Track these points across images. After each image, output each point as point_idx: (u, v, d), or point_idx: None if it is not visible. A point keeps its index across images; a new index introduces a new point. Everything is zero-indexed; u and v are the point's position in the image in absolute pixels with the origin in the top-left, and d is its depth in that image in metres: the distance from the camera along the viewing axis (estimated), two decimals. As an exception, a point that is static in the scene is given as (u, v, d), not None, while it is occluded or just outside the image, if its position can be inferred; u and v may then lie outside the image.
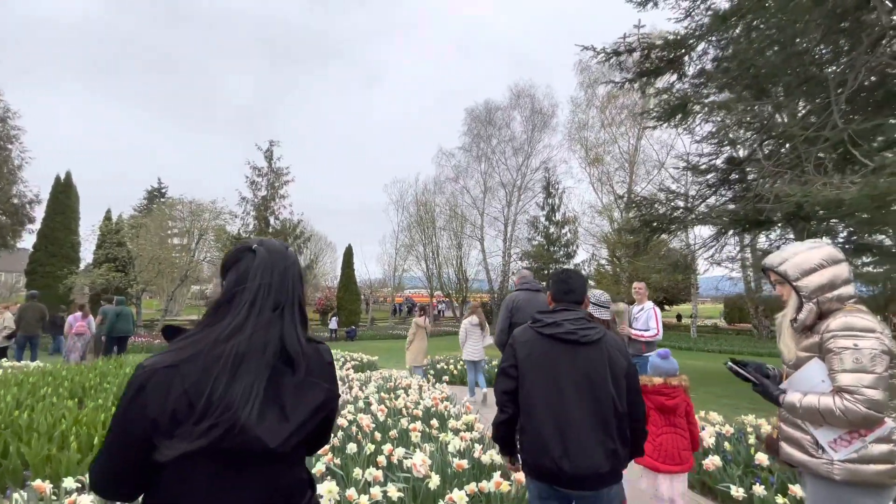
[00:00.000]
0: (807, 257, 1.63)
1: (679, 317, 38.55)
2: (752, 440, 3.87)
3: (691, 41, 8.34)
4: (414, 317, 8.06)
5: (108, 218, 20.54)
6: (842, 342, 1.49)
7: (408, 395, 5.34)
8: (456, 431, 4.01)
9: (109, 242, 19.44)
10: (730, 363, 1.87)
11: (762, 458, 3.36)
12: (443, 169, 36.05)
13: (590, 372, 1.74)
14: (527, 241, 34.56)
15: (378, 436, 3.62)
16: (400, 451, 3.19)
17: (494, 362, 8.16)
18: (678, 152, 25.16)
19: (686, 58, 9.17)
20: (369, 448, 3.10)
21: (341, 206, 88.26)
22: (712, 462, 3.38)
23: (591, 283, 34.45)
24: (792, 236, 17.60)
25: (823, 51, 7.98)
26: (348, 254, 29.05)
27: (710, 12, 8.71)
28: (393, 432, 3.70)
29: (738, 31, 8.28)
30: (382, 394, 4.90)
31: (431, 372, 9.01)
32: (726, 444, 3.81)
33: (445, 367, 9.04)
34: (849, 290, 1.58)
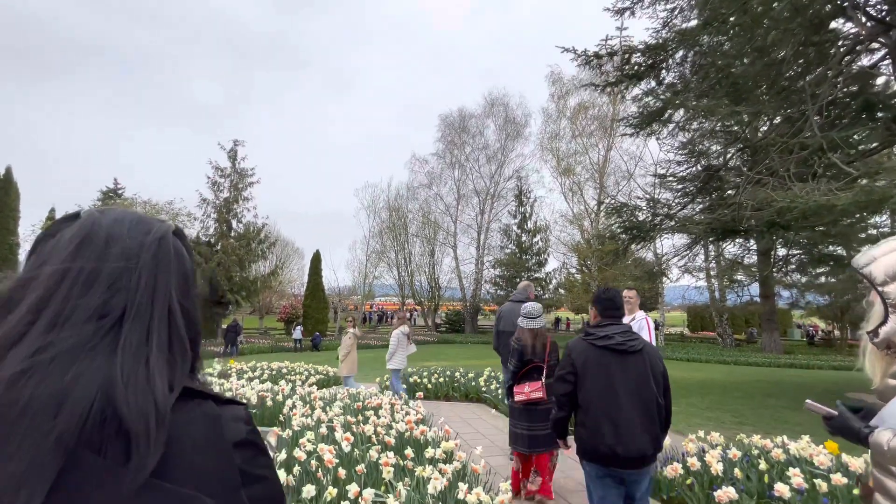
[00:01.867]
0: (880, 254, 1.29)
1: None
2: (763, 465, 3.49)
3: (672, 46, 8.22)
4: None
5: (50, 217, 18.77)
6: None
7: (378, 418, 4.74)
8: (434, 462, 3.47)
9: (50, 245, 17.72)
10: (808, 402, 1.54)
11: (781, 489, 2.98)
12: (416, 175, 35.56)
13: (637, 376, 2.20)
14: (499, 248, 34.44)
15: (342, 472, 3.03)
16: (369, 494, 2.62)
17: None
18: (647, 164, 25.80)
19: (665, 64, 9.08)
20: (330, 493, 2.52)
21: (310, 211, 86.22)
22: (726, 494, 2.96)
23: (562, 291, 34.68)
24: (754, 246, 18.06)
25: (800, 61, 8.02)
26: (316, 260, 27.97)
27: (687, 21, 8.68)
28: (360, 467, 3.12)
29: (717, 38, 8.23)
30: (348, 416, 4.29)
31: (405, 385, 8.40)
32: (736, 470, 3.41)
33: (419, 380, 8.44)
34: None
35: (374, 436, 3.81)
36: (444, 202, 34.22)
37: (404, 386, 7.27)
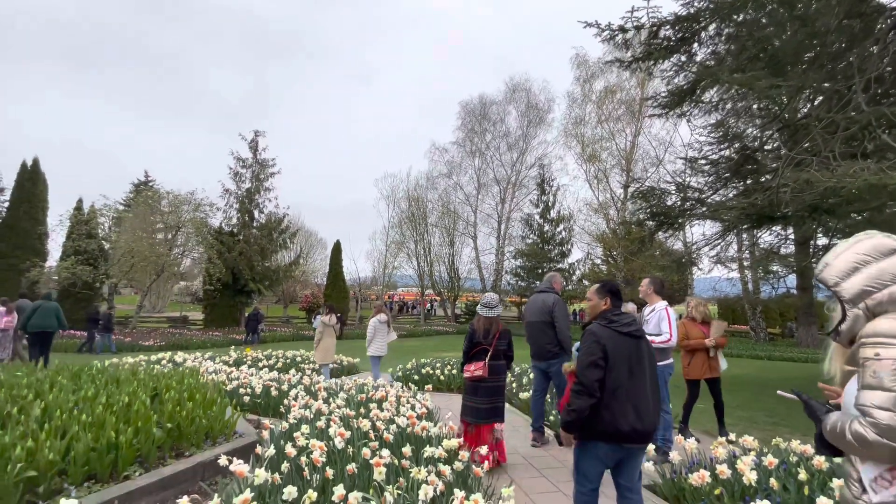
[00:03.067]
0: (847, 256, 1.34)
1: (680, 316, 38.05)
2: (802, 475, 3.09)
3: (705, 17, 7.57)
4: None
5: (78, 208, 19.33)
6: (866, 351, 1.22)
7: (382, 410, 4.51)
8: (434, 462, 3.20)
9: (78, 234, 18.23)
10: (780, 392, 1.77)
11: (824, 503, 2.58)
12: (435, 164, 35.24)
13: (648, 359, 2.46)
14: (520, 239, 33.86)
15: (330, 472, 2.79)
16: (354, 498, 2.38)
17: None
18: (676, 150, 24.67)
19: (697, 38, 8.40)
20: (310, 498, 2.28)
21: (333, 203, 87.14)
22: (762, 509, 2.59)
23: (586, 282, 33.81)
24: (792, 235, 17.05)
25: (843, 35, 7.27)
26: (336, 250, 28.11)
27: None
28: (351, 466, 2.88)
29: (754, 8, 7.53)
30: (347, 410, 4.07)
31: (416, 377, 8.20)
32: (772, 480, 3.02)
33: (431, 372, 8.21)
34: None
35: (372, 431, 3.57)
36: (464, 191, 33.85)
37: (386, 374, 7.54)
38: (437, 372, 8.13)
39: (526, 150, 33.09)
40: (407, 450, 3.24)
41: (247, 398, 5.40)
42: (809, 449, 3.47)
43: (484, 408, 3.99)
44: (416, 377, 8.21)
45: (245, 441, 3.85)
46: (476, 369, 3.98)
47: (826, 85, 6.88)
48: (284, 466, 3.05)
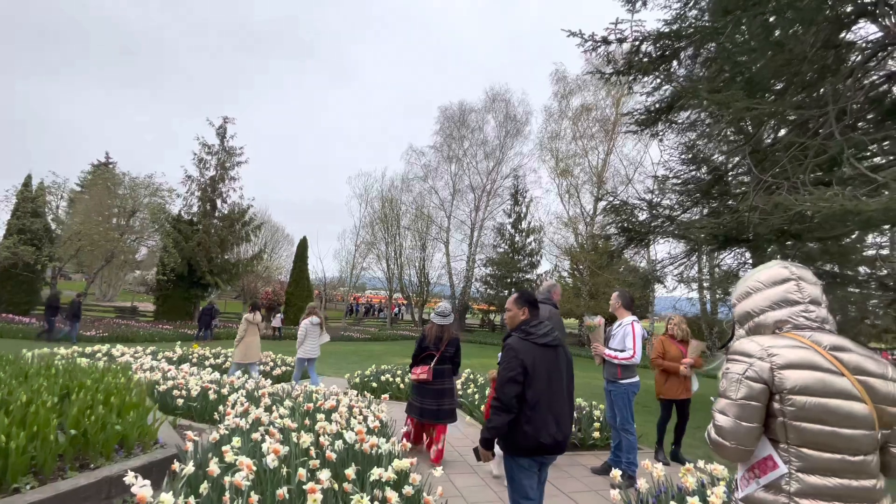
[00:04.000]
0: (748, 281, 1.49)
1: (649, 333, 39.16)
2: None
3: (686, 33, 7.60)
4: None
5: (26, 185, 17.79)
6: (725, 365, 1.38)
7: (330, 422, 4.10)
8: (380, 487, 2.84)
9: (23, 211, 16.73)
10: None
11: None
12: (412, 167, 34.84)
13: (565, 368, 2.49)
14: (492, 247, 33.86)
15: (255, 499, 2.38)
16: (278, 534, 1.99)
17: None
18: (646, 170, 25.27)
19: (677, 58, 8.47)
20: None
21: (303, 200, 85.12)
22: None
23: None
24: (751, 260, 17.62)
25: (819, 62, 7.46)
26: (302, 247, 27.17)
27: (702, 15, 8.09)
28: (282, 491, 2.48)
29: (734, 28, 7.63)
30: (289, 422, 3.64)
31: (374, 385, 7.77)
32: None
33: (391, 379, 7.80)
34: (779, 315, 1.36)
35: (313, 448, 3.17)
36: (439, 196, 33.57)
37: (315, 374, 7.44)
38: (398, 380, 7.73)
39: (502, 159, 33.24)
40: (351, 471, 2.87)
41: (180, 401, 4.86)
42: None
43: (430, 409, 4.27)
44: (374, 384, 7.78)
45: (166, 453, 3.36)
46: (422, 373, 4.28)
47: (800, 111, 7.00)
48: (203, 488, 2.61)
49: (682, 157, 10.66)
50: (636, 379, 4.33)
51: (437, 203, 33.57)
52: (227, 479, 2.59)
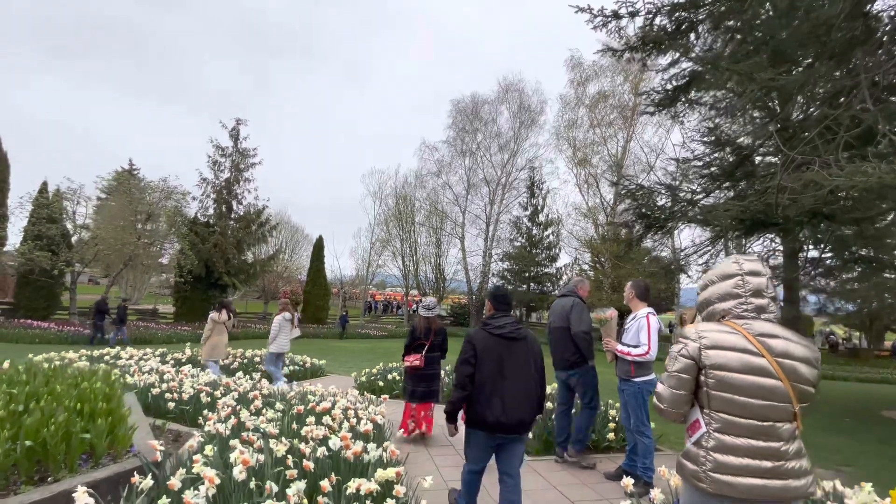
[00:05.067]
0: (708, 274, 1.73)
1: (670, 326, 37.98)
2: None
3: (704, 3, 7.06)
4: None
5: (42, 191, 18.22)
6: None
7: (320, 426, 3.85)
8: (360, 501, 2.56)
9: (37, 217, 17.10)
10: None
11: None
12: (425, 162, 34.56)
13: (520, 359, 2.71)
14: (508, 241, 33.33)
15: (209, 519, 2.13)
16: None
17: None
18: (668, 156, 24.34)
19: (694, 30, 7.89)
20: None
21: (321, 201, 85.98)
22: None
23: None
24: (780, 247, 16.75)
25: (849, 32, 6.80)
26: (318, 246, 27.25)
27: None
28: (244, 509, 2.22)
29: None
30: (270, 428, 3.39)
31: (381, 384, 7.53)
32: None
33: (398, 378, 7.54)
34: (724, 306, 1.62)
35: (290, 457, 2.90)
36: (454, 191, 33.18)
37: (284, 371, 7.70)
38: (398, 377, 7.47)
39: (517, 151, 32.60)
40: (326, 483, 2.59)
41: (172, 405, 4.69)
42: (817, 492, 2.88)
43: (420, 391, 4.75)
44: (380, 383, 7.55)
45: (138, 463, 3.15)
46: (414, 360, 4.71)
47: (831, 81, 6.40)
48: (162, 503, 2.37)
49: (704, 139, 10.06)
50: (652, 377, 3.91)
51: (451, 198, 33.23)
52: (187, 495, 2.35)
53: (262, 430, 3.44)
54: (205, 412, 3.94)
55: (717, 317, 1.63)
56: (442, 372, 5.42)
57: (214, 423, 3.56)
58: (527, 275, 32.46)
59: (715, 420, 1.51)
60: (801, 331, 18.32)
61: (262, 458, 2.91)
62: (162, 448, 2.93)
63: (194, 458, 2.85)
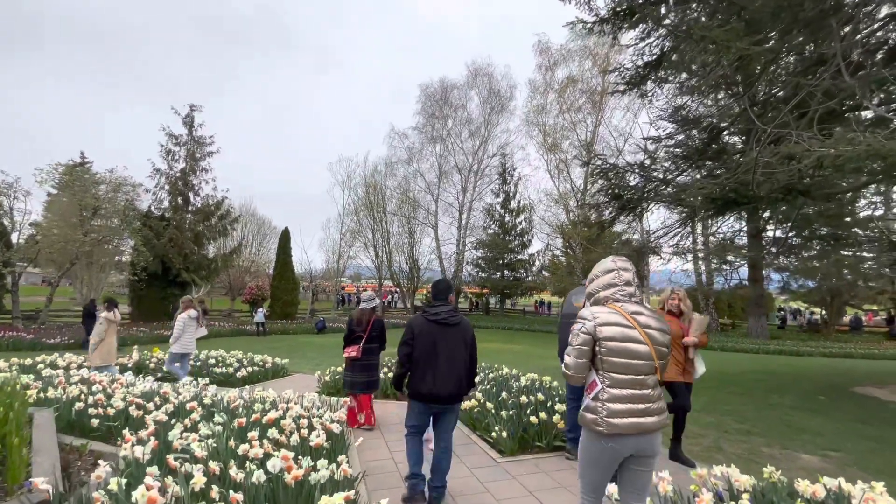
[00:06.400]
0: (594, 270, 2.29)
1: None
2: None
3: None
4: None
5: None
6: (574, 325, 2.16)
7: (263, 441, 3.35)
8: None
9: (-31, 216, 15.54)
10: None
11: None
12: (395, 150, 33.76)
13: (452, 341, 3.15)
14: (482, 229, 33.08)
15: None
16: None
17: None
18: (636, 140, 24.43)
19: (664, 2, 7.58)
20: None
21: (289, 191, 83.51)
22: None
23: (545, 274, 33.45)
24: (745, 227, 17.03)
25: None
26: (284, 238, 26.16)
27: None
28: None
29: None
30: (197, 449, 2.87)
31: (189, 368, 7.05)
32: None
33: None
34: (606, 293, 2.16)
35: (214, 487, 2.40)
36: (425, 179, 32.56)
37: (188, 368, 7.35)
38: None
39: (488, 137, 32.18)
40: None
41: (96, 421, 4.08)
42: (818, 490, 2.59)
43: (360, 381, 4.91)
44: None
45: (36, 498, 2.59)
46: (352, 351, 4.86)
47: (805, 52, 6.20)
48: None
49: (673, 118, 9.87)
50: None
51: (423, 187, 32.62)
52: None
53: (188, 453, 2.91)
54: (125, 431, 3.35)
55: (602, 302, 2.15)
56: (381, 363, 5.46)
57: (132, 446, 3.01)
58: (500, 262, 32.36)
59: (607, 379, 2.02)
60: (764, 307, 18.88)
61: (178, 489, 2.40)
62: (48, 487, 2.37)
63: (94, 496, 2.32)
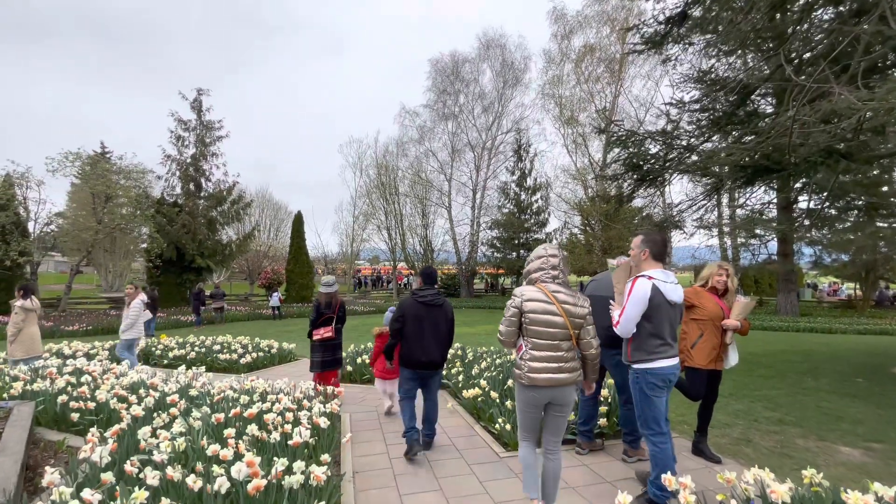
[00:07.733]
0: (530, 255, 2.77)
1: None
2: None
3: None
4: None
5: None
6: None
7: (241, 439, 3.08)
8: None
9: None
10: None
11: None
12: (406, 129, 33.07)
13: (435, 319, 3.80)
14: (496, 208, 32.35)
15: None
16: None
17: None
18: (658, 110, 23.25)
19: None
20: None
21: (303, 177, 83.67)
22: None
23: (565, 252, 32.60)
24: (775, 199, 16.06)
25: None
26: (297, 221, 26.09)
27: None
28: None
29: None
30: (159, 455, 2.60)
31: (350, 368, 6.79)
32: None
33: (365, 361, 6.80)
34: (536, 275, 2.65)
35: (164, 499, 2.11)
36: (438, 159, 31.88)
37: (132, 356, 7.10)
38: (363, 359, 6.71)
39: (502, 113, 31.18)
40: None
41: (76, 416, 3.89)
42: (869, 501, 2.15)
43: (328, 359, 5.32)
44: (349, 368, 6.81)
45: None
46: (326, 332, 5.23)
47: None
48: None
49: (698, 81, 9.08)
50: (654, 365, 2.85)
51: (435, 166, 31.96)
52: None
53: (148, 456, 2.64)
54: (92, 429, 3.11)
55: (533, 282, 2.64)
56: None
57: (94, 447, 2.76)
58: (516, 241, 31.71)
59: (530, 343, 2.56)
60: (794, 284, 17.90)
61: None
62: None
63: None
